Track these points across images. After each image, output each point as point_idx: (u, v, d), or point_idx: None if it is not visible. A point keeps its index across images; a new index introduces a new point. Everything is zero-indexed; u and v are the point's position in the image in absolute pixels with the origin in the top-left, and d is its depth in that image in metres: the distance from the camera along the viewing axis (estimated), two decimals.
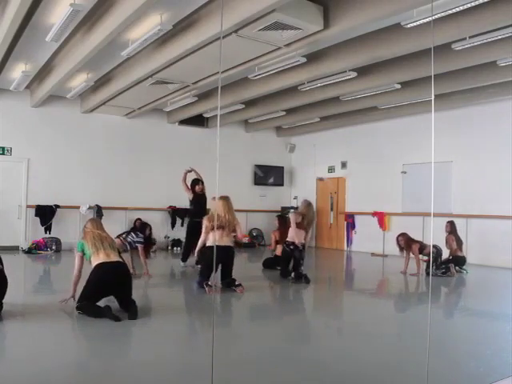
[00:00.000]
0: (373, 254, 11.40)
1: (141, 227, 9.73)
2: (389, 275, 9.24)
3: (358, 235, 12.43)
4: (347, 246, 12.66)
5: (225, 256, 6.27)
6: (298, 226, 7.53)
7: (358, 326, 4.85)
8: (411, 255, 8.26)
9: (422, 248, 8.17)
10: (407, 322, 5.31)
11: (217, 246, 6.19)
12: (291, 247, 7.48)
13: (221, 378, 2.77)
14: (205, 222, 6.44)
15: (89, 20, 6.67)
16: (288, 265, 7.61)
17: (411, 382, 3.31)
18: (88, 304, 4.65)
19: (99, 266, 4.80)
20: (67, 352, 3.82)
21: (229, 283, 6.29)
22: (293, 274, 7.37)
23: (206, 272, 6.32)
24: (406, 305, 6.30)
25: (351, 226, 12.55)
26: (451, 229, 8.52)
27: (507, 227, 9.14)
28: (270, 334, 4.58)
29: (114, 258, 4.91)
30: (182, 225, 11.64)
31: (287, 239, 7.62)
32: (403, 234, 8.35)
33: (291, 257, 7.52)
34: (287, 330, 4.76)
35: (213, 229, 6.25)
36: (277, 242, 9.00)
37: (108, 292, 4.86)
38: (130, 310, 4.72)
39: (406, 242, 8.25)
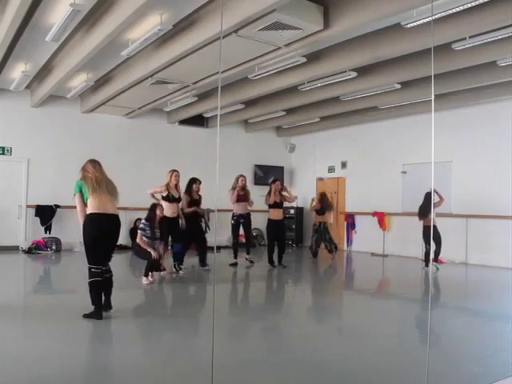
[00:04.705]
0: (373, 254, 11.39)
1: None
2: (389, 275, 9.24)
3: (357, 235, 12.42)
4: (347, 246, 12.64)
5: (173, 224, 7.46)
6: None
7: (358, 327, 4.86)
8: None
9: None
10: (407, 322, 5.32)
11: (167, 217, 7.30)
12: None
13: (220, 378, 2.77)
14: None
15: (89, 20, 6.67)
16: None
17: (411, 382, 3.31)
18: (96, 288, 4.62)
19: (93, 216, 4.64)
20: (68, 352, 3.82)
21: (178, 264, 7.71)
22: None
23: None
24: (406, 305, 6.29)
25: (351, 225, 12.54)
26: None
27: (507, 227, 9.13)
28: (269, 334, 4.58)
29: (111, 209, 4.72)
30: None
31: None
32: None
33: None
34: (286, 330, 4.76)
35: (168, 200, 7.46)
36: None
37: (102, 243, 4.67)
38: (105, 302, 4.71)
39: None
